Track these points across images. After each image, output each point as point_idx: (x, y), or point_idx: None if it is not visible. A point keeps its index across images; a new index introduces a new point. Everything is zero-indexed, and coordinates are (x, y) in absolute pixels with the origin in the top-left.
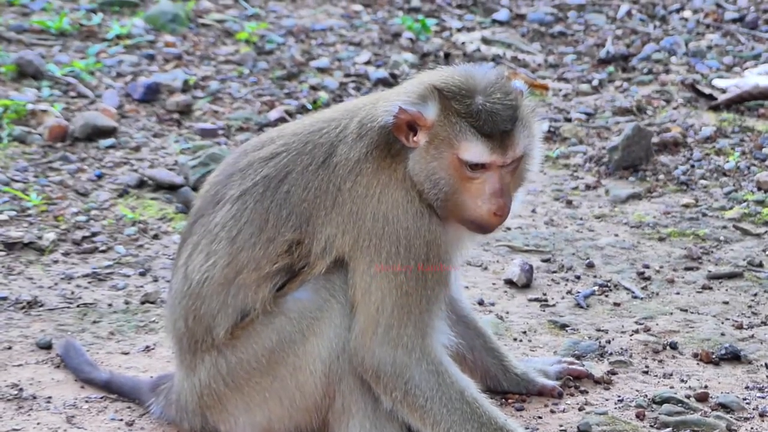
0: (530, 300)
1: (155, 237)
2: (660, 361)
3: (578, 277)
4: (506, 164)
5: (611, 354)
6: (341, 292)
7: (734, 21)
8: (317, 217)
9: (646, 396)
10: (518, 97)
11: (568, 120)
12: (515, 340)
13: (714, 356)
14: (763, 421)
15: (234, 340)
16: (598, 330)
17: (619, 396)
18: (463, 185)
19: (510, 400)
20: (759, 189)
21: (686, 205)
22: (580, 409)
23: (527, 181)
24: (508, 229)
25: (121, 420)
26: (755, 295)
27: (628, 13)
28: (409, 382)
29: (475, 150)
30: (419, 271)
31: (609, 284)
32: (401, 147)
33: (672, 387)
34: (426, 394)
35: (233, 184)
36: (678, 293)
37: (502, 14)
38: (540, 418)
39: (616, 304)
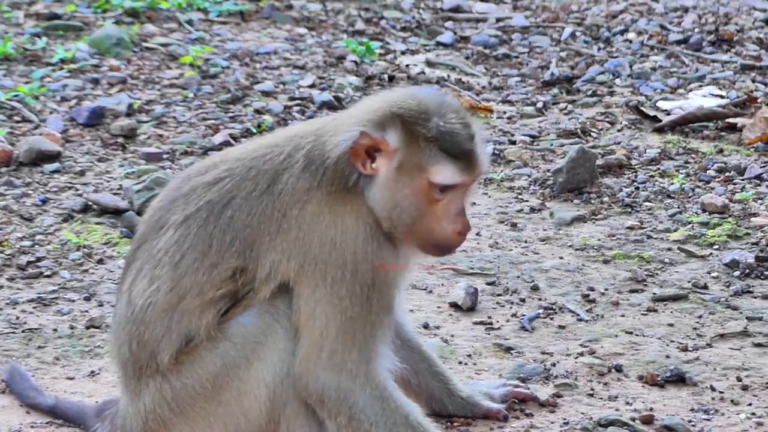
0: (475, 323)
1: (100, 261)
2: (605, 384)
3: (523, 300)
4: (472, 183)
5: (556, 377)
6: (285, 317)
7: (678, 43)
8: (261, 243)
9: (592, 419)
10: (468, 114)
11: (513, 142)
12: (460, 363)
13: (659, 378)
14: None
15: (178, 365)
16: (543, 353)
17: (565, 419)
18: (429, 208)
19: (455, 424)
20: (704, 211)
21: (631, 228)
22: None
23: (471, 198)
24: None
25: None
26: (700, 317)
27: (573, 35)
28: (353, 407)
29: (446, 173)
30: (364, 297)
31: (554, 307)
32: (356, 175)
33: (617, 409)
34: (371, 418)
35: (176, 210)
36: (623, 315)
37: (446, 37)
38: None
39: (561, 327)
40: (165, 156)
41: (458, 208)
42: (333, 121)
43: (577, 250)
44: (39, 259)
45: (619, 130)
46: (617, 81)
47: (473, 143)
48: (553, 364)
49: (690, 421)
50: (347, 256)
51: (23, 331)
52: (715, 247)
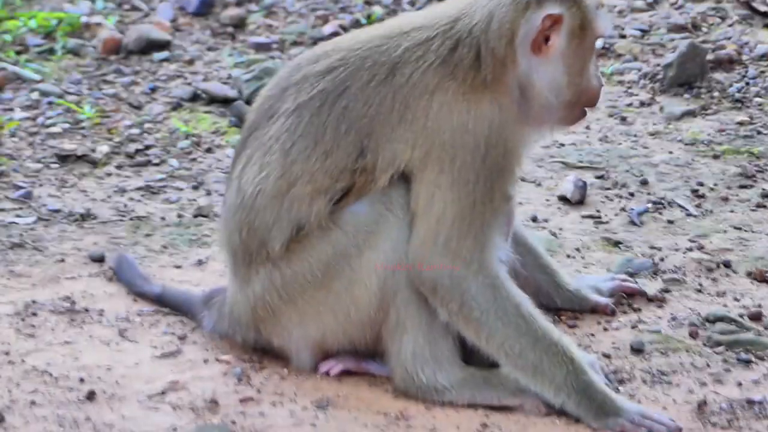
0: (584, 217)
1: (208, 150)
2: (713, 280)
3: (632, 194)
4: None
5: (665, 272)
6: (398, 207)
7: None
8: (381, 134)
9: (700, 314)
10: None
11: (623, 36)
12: (568, 257)
13: None
14: None
15: (289, 253)
16: (652, 247)
17: (672, 314)
18: (588, 68)
19: (563, 317)
20: None
21: (741, 123)
22: (633, 327)
23: None
24: (562, 145)
25: (173, 334)
26: None
27: None
28: (465, 294)
29: (604, 23)
30: (489, 184)
31: (663, 201)
32: (523, 63)
33: (725, 305)
34: (482, 306)
35: (288, 98)
36: (732, 211)
37: None
38: (593, 335)
39: (670, 222)
40: (274, 46)
41: (596, 64)
42: (462, 19)
43: (686, 144)
44: (147, 147)
45: (729, 26)
46: None
47: None
48: (662, 259)
49: None
50: (480, 140)
51: (131, 219)
52: None
